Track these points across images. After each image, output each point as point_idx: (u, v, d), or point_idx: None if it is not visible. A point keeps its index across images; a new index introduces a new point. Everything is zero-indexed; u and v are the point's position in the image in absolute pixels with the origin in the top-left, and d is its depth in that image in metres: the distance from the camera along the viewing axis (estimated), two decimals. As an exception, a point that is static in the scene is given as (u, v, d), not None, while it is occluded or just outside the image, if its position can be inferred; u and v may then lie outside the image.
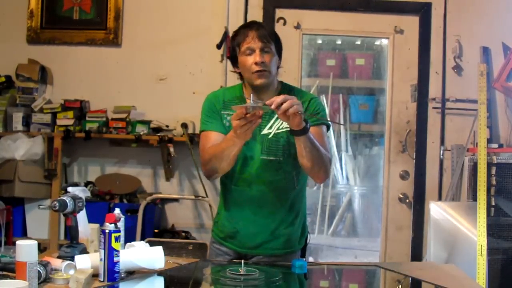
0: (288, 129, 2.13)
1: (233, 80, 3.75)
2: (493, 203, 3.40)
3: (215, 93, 2.32)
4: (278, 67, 2.23)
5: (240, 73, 2.24)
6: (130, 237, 3.19)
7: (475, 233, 3.25)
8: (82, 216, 2.01)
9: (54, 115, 3.72)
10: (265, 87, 2.17)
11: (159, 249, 1.94)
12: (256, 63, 2.12)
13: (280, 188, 2.20)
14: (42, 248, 3.44)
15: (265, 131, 2.19)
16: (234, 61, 2.23)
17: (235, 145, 2.04)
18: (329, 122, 2.30)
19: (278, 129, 2.19)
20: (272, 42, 2.16)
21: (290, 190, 2.22)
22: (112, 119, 3.74)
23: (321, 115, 2.24)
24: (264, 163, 2.18)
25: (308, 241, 2.37)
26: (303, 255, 2.34)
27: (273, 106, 1.90)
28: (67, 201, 1.92)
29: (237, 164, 2.18)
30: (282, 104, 1.90)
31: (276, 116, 2.16)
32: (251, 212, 2.22)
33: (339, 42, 4.17)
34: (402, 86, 3.85)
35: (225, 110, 2.22)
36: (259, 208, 2.21)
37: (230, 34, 3.68)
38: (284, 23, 3.82)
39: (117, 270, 1.77)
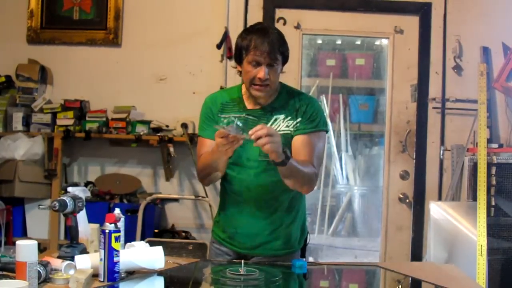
0: (285, 131, 2.17)
1: (233, 80, 3.77)
2: (493, 203, 3.40)
3: (212, 96, 2.31)
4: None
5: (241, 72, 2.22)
6: (130, 237, 3.19)
7: (475, 233, 3.25)
8: (82, 216, 2.01)
9: (54, 115, 3.72)
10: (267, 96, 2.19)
11: (159, 249, 1.94)
12: (260, 78, 2.10)
13: (279, 189, 2.20)
14: (42, 248, 3.44)
15: None
16: (238, 60, 2.18)
17: (220, 158, 2.08)
18: (327, 128, 2.29)
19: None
20: (281, 54, 2.12)
21: (288, 191, 2.22)
22: (112, 119, 3.74)
23: (317, 122, 2.21)
24: (262, 165, 2.18)
25: (308, 241, 2.37)
26: (303, 255, 2.34)
27: (253, 137, 1.92)
28: (67, 201, 1.92)
29: (235, 166, 2.19)
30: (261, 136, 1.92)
31: (273, 119, 2.19)
32: (250, 213, 2.22)
33: (339, 42, 4.17)
34: (402, 86, 3.85)
35: (223, 113, 2.23)
36: (258, 209, 2.21)
37: (230, 33, 3.74)
38: (284, 23, 3.82)
39: (117, 270, 1.77)
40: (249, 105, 2.22)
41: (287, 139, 2.15)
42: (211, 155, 2.11)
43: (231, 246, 2.28)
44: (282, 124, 2.18)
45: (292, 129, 2.18)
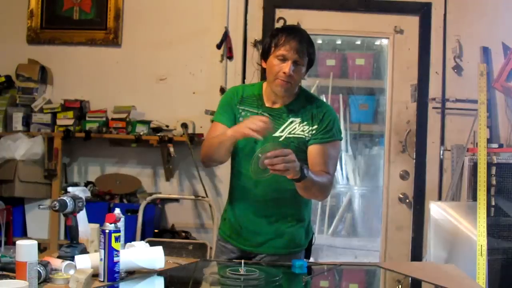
0: (300, 136, 2.20)
1: (233, 80, 3.77)
2: (493, 203, 3.40)
3: (235, 88, 2.38)
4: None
5: (264, 70, 2.26)
6: (130, 237, 3.20)
7: (475, 233, 3.25)
8: (82, 216, 2.01)
9: (54, 115, 3.72)
10: (287, 95, 2.21)
11: (159, 249, 1.94)
12: (284, 73, 2.13)
13: (286, 188, 2.19)
14: (42, 248, 3.44)
15: (277, 134, 2.20)
16: (265, 56, 2.22)
17: (228, 140, 2.12)
18: (341, 137, 2.31)
19: (289, 133, 2.21)
20: (307, 56, 2.16)
21: (294, 190, 2.22)
22: (112, 119, 3.73)
23: (333, 132, 2.23)
24: None
25: (313, 242, 2.38)
26: (307, 256, 2.35)
27: (266, 162, 1.92)
28: (67, 201, 1.92)
29: (245, 161, 2.21)
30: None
31: (289, 120, 2.21)
32: (255, 209, 2.24)
33: (339, 42, 4.17)
34: (402, 86, 3.85)
35: (242, 105, 2.27)
36: (264, 206, 2.23)
37: (230, 33, 3.74)
38: (284, 23, 3.81)
39: (117, 270, 1.77)
40: (267, 102, 2.25)
41: (301, 143, 2.19)
42: (220, 138, 2.14)
43: (236, 243, 2.29)
44: (298, 127, 2.21)
45: (307, 135, 2.20)
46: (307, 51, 2.16)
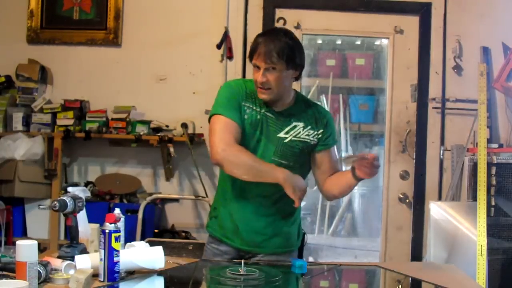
0: (305, 140, 2.20)
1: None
2: (493, 203, 3.40)
3: (237, 81, 2.28)
4: (297, 78, 2.21)
5: None
6: (130, 237, 3.20)
7: (475, 233, 3.25)
8: (82, 216, 2.01)
9: (54, 115, 3.72)
10: (274, 100, 2.18)
11: (159, 249, 1.94)
12: (258, 82, 2.11)
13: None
14: (42, 248, 3.44)
15: (281, 135, 2.19)
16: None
17: (271, 179, 2.09)
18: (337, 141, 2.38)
19: (295, 136, 2.20)
20: (281, 58, 2.07)
21: None
22: (112, 119, 3.74)
23: (336, 136, 2.31)
24: (274, 164, 2.17)
25: (305, 241, 2.39)
26: (300, 255, 2.36)
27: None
28: (67, 201, 1.92)
29: None
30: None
31: (292, 125, 2.21)
32: (254, 209, 2.22)
33: (339, 42, 4.17)
34: (402, 86, 3.85)
35: (247, 102, 2.19)
36: (263, 205, 2.22)
37: (230, 33, 3.75)
38: (284, 23, 3.82)
39: (117, 270, 1.77)
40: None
41: (305, 147, 2.21)
42: (263, 170, 2.08)
43: (231, 242, 2.26)
44: (302, 131, 2.21)
45: (312, 139, 2.22)
46: (277, 53, 2.06)
